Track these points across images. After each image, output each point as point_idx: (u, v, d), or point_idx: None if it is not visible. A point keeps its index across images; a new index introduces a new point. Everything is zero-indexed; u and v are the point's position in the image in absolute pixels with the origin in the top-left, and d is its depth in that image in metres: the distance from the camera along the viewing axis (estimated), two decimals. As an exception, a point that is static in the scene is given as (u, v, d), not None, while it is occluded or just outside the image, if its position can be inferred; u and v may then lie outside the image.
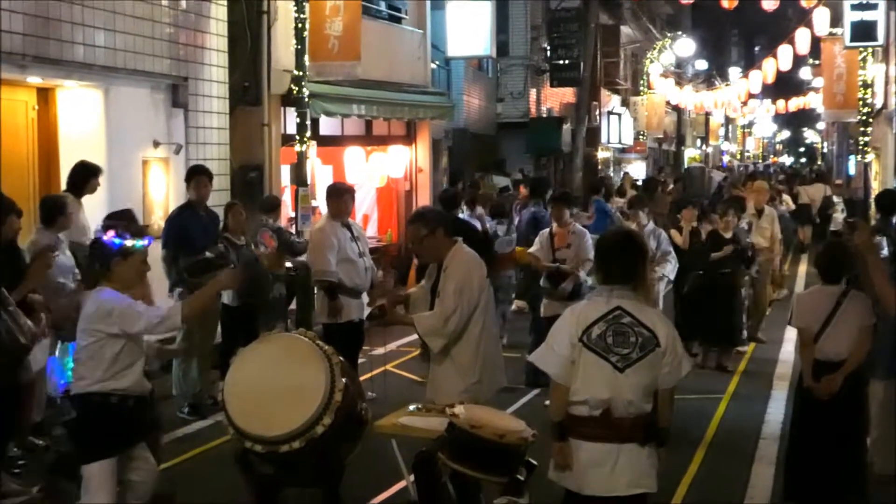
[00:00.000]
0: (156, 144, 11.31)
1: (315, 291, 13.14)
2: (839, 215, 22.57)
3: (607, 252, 4.80)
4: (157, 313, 5.36)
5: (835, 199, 25.50)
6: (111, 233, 5.36)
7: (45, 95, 10.25)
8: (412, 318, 5.95)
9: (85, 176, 8.98)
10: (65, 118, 10.35)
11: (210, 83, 12.21)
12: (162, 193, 11.35)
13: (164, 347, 6.37)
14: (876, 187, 22.75)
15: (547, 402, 8.86)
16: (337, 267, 8.85)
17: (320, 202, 14.40)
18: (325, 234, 8.94)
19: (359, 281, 9.03)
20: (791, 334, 11.76)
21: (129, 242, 5.37)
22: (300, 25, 12.99)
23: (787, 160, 78.40)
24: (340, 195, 9.20)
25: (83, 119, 10.40)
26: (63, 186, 9.30)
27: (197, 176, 9.59)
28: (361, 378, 8.69)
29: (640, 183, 25.32)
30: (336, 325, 8.86)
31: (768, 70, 28.08)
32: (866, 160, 23.81)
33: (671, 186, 24.58)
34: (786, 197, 22.77)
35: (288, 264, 11.03)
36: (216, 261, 8.86)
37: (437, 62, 20.60)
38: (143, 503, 5.50)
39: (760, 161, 72.08)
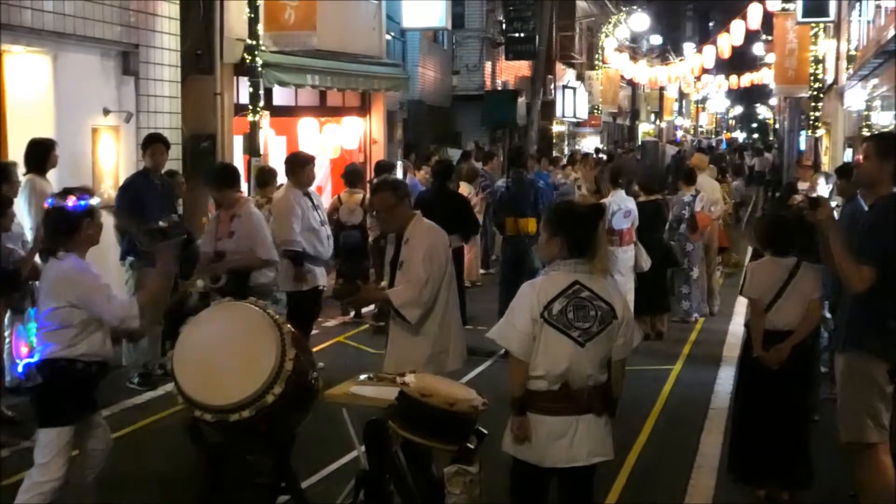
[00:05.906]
0: (106, 112, 11.13)
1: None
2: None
3: (570, 225, 4.73)
4: (119, 311, 5.26)
5: (800, 185, 23.37)
6: (72, 198, 5.31)
7: (-9, 61, 10.06)
8: (386, 294, 5.91)
9: (43, 152, 8.82)
10: (12, 84, 10.13)
11: (161, 51, 12.03)
12: (112, 162, 11.19)
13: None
14: (826, 162, 22.98)
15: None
16: (301, 236, 8.95)
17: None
18: (290, 203, 9.03)
19: (321, 249, 9.22)
20: (741, 308, 11.93)
21: (92, 201, 5.41)
22: (253, -7, 12.86)
23: (740, 135, 79.07)
24: (304, 165, 9.32)
25: (31, 85, 10.21)
26: (10, 153, 9.15)
27: (153, 143, 9.54)
28: (315, 349, 8.69)
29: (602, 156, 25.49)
30: (300, 293, 9.01)
31: (722, 45, 28.21)
32: (817, 135, 24.02)
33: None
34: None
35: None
36: (170, 230, 8.80)
37: (393, 33, 20.48)
38: (97, 471, 5.45)
39: (713, 136, 72.57)
